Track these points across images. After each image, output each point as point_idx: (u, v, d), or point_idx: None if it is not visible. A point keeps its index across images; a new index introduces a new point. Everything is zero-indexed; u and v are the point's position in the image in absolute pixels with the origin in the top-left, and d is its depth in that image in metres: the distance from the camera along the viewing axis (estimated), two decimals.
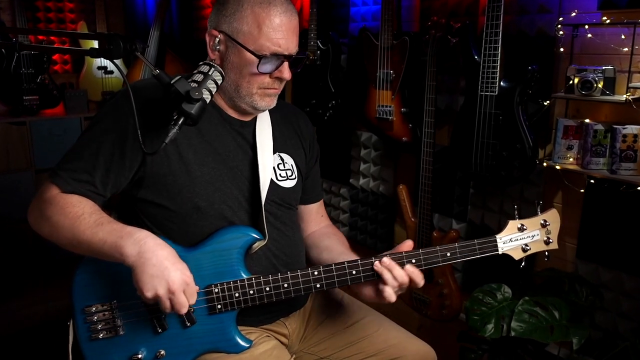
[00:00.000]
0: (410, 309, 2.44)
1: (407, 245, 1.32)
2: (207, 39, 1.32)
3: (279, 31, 1.26)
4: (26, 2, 3.80)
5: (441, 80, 2.34)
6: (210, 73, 1.17)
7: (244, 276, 1.28)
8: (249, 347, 1.30)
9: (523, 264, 1.36)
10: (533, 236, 1.35)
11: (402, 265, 1.28)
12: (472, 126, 2.03)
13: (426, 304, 2.34)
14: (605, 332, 1.93)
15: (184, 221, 1.31)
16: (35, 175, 3.69)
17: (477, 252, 1.32)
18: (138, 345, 1.27)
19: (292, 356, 1.36)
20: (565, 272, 1.97)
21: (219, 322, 1.28)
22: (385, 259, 1.28)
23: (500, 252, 1.34)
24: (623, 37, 1.74)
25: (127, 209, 1.37)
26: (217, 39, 1.30)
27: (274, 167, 1.42)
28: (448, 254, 1.31)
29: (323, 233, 1.58)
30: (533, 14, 2.01)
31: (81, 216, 1.19)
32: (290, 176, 1.45)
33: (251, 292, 1.27)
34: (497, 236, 1.33)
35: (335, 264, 1.30)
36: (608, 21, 1.73)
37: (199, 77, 1.16)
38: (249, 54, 1.26)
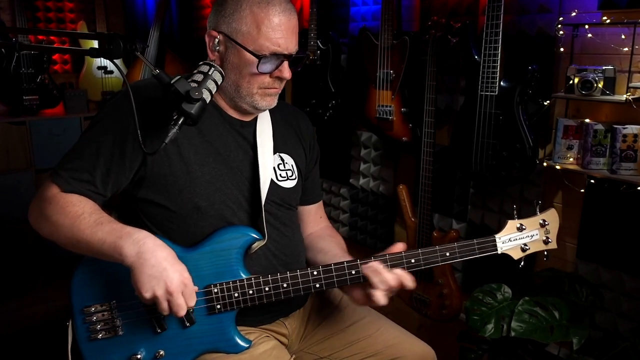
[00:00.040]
0: (410, 309, 2.44)
1: (398, 247, 1.31)
2: (207, 39, 1.32)
3: (278, 31, 1.25)
4: (26, 2, 3.80)
5: (441, 80, 2.34)
6: (210, 73, 1.17)
7: (243, 276, 1.28)
8: (248, 347, 1.30)
9: (522, 263, 1.36)
10: (532, 236, 1.36)
11: (401, 267, 1.28)
12: (472, 126, 2.03)
13: (426, 304, 2.34)
14: (605, 332, 1.92)
15: (184, 221, 1.31)
16: (35, 175, 3.69)
17: (476, 251, 1.32)
18: (137, 346, 1.27)
19: (291, 356, 1.36)
20: (565, 272, 1.97)
21: (218, 322, 1.28)
22: (373, 263, 1.27)
23: (499, 252, 1.34)
24: (623, 37, 1.73)
25: (127, 209, 1.37)
26: (217, 40, 1.30)
27: (274, 167, 1.42)
28: (447, 254, 1.31)
29: (319, 235, 1.57)
30: (533, 13, 2.00)
31: (81, 215, 1.19)
32: (290, 176, 1.45)
33: (250, 292, 1.27)
34: (496, 236, 1.34)
35: (335, 264, 1.30)
36: (608, 21, 1.72)
37: (198, 77, 1.16)
38: (248, 54, 1.26)
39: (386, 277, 1.26)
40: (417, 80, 2.30)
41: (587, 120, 1.83)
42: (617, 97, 1.72)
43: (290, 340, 1.47)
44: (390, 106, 2.40)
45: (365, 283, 1.29)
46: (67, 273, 1.31)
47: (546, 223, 1.36)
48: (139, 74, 3.67)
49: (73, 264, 1.30)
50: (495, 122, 1.97)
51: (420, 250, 1.30)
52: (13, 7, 3.67)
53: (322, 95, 2.78)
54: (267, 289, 1.27)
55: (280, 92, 1.36)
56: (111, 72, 4.04)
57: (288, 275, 1.28)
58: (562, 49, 1.89)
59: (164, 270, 1.13)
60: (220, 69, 1.19)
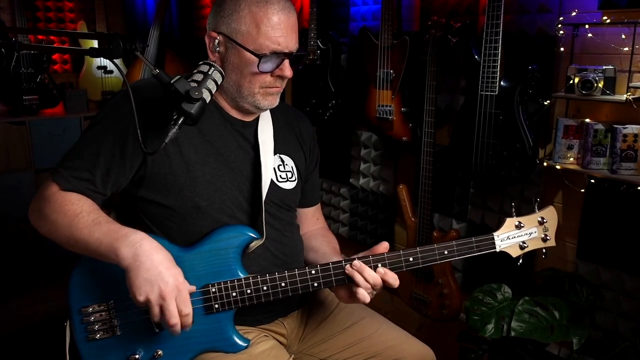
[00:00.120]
0: (411, 309, 2.44)
1: (383, 247, 1.30)
2: (207, 41, 1.32)
3: (278, 29, 1.25)
4: (26, 1, 3.80)
5: (441, 80, 2.33)
6: (210, 72, 1.17)
7: (241, 275, 1.28)
8: (246, 347, 1.29)
9: (521, 261, 1.36)
10: (530, 233, 1.35)
11: (399, 266, 1.28)
12: (472, 126, 2.03)
13: (426, 304, 2.33)
14: (606, 332, 1.92)
15: (184, 220, 1.31)
16: (35, 175, 3.69)
17: (474, 249, 1.32)
18: (135, 346, 1.27)
19: (290, 356, 1.36)
20: (566, 272, 1.97)
21: (216, 322, 1.28)
22: (356, 262, 1.27)
23: (497, 250, 1.34)
24: (623, 36, 1.73)
25: (127, 208, 1.37)
26: (217, 41, 1.30)
27: (274, 168, 1.42)
28: (446, 252, 1.30)
29: (313, 234, 1.57)
30: (533, 13, 2.00)
31: (79, 214, 1.19)
32: (290, 178, 1.45)
33: (248, 291, 1.27)
34: (495, 234, 1.34)
35: (333, 263, 1.29)
36: (608, 21, 1.72)
37: (198, 77, 1.16)
38: (249, 54, 1.26)
39: (369, 274, 1.26)
40: (417, 80, 2.30)
41: (587, 120, 1.82)
42: (617, 97, 1.71)
43: (289, 341, 1.47)
44: (390, 106, 2.40)
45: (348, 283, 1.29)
46: (67, 273, 1.31)
47: (545, 221, 1.36)
48: (139, 74, 3.67)
49: (73, 264, 1.29)
50: (495, 122, 1.96)
51: (418, 249, 1.30)
52: (13, 7, 3.67)
53: (322, 95, 2.78)
54: (265, 288, 1.27)
55: (281, 91, 1.36)
56: (111, 71, 4.04)
57: (286, 274, 1.28)
58: (562, 49, 1.89)
59: (159, 274, 1.12)
60: (220, 68, 1.19)
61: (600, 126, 1.79)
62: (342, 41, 2.80)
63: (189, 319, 1.16)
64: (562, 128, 1.87)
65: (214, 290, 1.26)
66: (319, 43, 2.74)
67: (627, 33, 1.72)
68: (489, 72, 1.93)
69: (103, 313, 1.27)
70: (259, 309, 1.33)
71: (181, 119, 1.10)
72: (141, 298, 1.12)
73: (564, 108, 1.95)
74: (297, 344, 1.49)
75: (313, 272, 1.28)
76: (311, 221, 1.61)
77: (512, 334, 1.72)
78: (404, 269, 1.30)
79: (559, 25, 1.83)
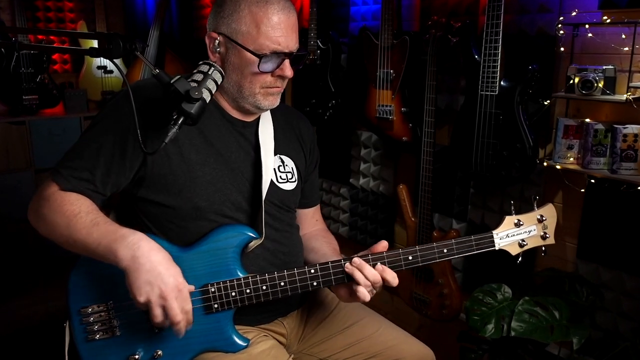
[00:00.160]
0: (411, 309, 2.44)
1: (382, 246, 1.31)
2: (207, 41, 1.32)
3: (278, 29, 1.25)
4: (26, 1, 3.80)
5: (441, 80, 2.33)
6: (210, 72, 1.17)
7: (240, 275, 1.28)
8: (246, 347, 1.29)
9: (520, 259, 1.35)
10: (530, 231, 1.35)
11: (398, 264, 1.28)
12: (472, 126, 2.03)
13: (426, 303, 2.33)
14: (606, 332, 1.92)
15: (183, 221, 1.31)
16: (35, 175, 3.69)
17: (474, 247, 1.32)
18: (135, 346, 1.27)
19: (290, 356, 1.36)
20: (566, 272, 1.97)
21: (215, 322, 1.27)
22: (356, 259, 1.27)
23: (497, 248, 1.33)
24: (623, 36, 1.73)
25: (126, 208, 1.37)
26: (217, 41, 1.30)
27: (274, 169, 1.42)
28: (445, 250, 1.30)
29: (312, 235, 1.57)
30: (533, 13, 2.00)
31: (78, 215, 1.19)
32: (290, 179, 1.45)
33: (247, 291, 1.27)
34: (494, 232, 1.33)
35: (332, 262, 1.29)
36: (608, 21, 1.72)
37: (198, 77, 1.16)
38: (249, 54, 1.26)
39: (369, 272, 1.26)
40: (417, 80, 2.30)
41: (587, 120, 1.82)
42: (617, 97, 1.71)
43: (289, 340, 1.47)
44: (390, 106, 2.40)
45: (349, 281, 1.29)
46: (66, 273, 1.31)
47: (544, 218, 1.36)
48: (139, 74, 3.67)
49: (72, 264, 1.29)
50: (495, 122, 1.96)
51: (417, 247, 1.29)
52: (13, 7, 3.67)
53: (322, 95, 2.78)
54: (264, 287, 1.27)
55: (282, 91, 1.36)
56: (111, 71, 4.04)
57: (285, 273, 1.28)
58: (562, 49, 1.89)
59: (158, 275, 1.12)
60: (220, 68, 1.19)
61: (600, 126, 1.78)
62: (342, 41, 2.80)
63: (190, 317, 1.17)
64: (562, 128, 1.87)
65: (213, 290, 1.26)
66: (319, 43, 2.74)
67: (627, 33, 1.72)
68: (489, 72, 1.93)
69: (102, 313, 1.27)
70: (259, 308, 1.33)
71: (181, 119, 1.10)
72: (142, 299, 1.12)
73: (564, 108, 1.95)
74: (296, 344, 1.49)
75: (312, 271, 1.28)
76: (311, 222, 1.61)
77: (512, 334, 1.72)
78: (404, 268, 1.30)
79: (559, 25, 1.83)
